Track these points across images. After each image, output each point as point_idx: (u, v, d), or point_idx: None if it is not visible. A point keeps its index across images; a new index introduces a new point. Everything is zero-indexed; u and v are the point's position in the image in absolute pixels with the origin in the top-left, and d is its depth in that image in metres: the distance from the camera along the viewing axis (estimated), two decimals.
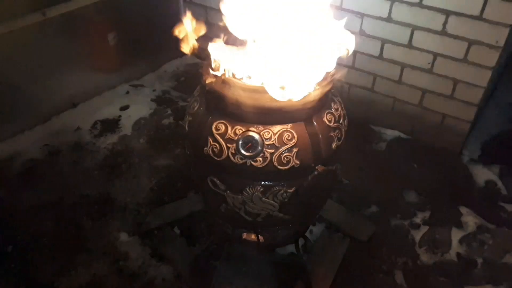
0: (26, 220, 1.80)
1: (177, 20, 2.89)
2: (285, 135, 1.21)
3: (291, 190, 1.28)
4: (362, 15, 2.13)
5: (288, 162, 1.21)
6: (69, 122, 2.35)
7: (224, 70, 1.27)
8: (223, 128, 1.24)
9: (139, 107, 2.50)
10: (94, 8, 2.37)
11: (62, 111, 2.41)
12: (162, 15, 2.80)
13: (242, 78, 1.26)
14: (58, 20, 2.20)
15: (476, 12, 1.83)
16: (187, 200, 1.89)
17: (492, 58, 1.89)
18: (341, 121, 1.35)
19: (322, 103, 1.30)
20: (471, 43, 1.91)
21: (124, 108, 2.49)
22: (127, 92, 2.64)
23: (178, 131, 2.33)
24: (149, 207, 1.88)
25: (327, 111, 1.30)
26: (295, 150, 1.21)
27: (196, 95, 1.41)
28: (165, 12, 2.82)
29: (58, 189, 1.95)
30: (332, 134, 1.29)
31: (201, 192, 1.64)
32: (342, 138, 1.34)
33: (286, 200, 1.29)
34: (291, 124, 1.21)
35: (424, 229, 1.81)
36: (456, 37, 1.93)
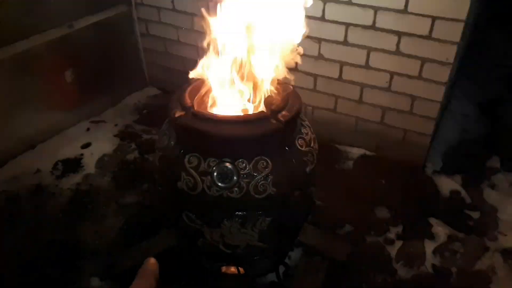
0: None
1: (135, 52, 2.87)
2: (260, 164, 1.20)
3: (269, 218, 1.27)
4: (319, 40, 2.20)
5: (265, 190, 1.20)
6: (28, 165, 2.23)
7: (193, 103, 1.26)
8: (196, 161, 1.22)
9: (102, 144, 2.42)
10: (48, 47, 2.30)
11: (19, 153, 2.29)
12: (119, 48, 2.77)
13: (212, 111, 1.26)
14: (10, 61, 2.12)
15: (425, 32, 1.94)
16: (160, 237, 1.82)
17: (444, 74, 2.00)
18: (312, 145, 1.36)
19: (293, 128, 1.31)
20: (423, 61, 2.01)
21: (85, 146, 2.40)
22: (88, 129, 2.56)
23: (144, 166, 2.27)
24: (120, 248, 1.80)
25: (298, 136, 1.31)
26: (270, 177, 1.20)
27: (165, 129, 1.38)
28: (122, 45, 2.80)
29: (20, 238, 1.83)
30: (305, 159, 1.30)
31: (176, 228, 1.60)
32: (315, 161, 1.36)
33: (265, 228, 1.28)
34: (265, 152, 1.22)
35: (399, 243, 1.84)
36: (409, 56, 2.03)
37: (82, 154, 2.34)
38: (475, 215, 1.98)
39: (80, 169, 2.24)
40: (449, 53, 1.94)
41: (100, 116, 2.70)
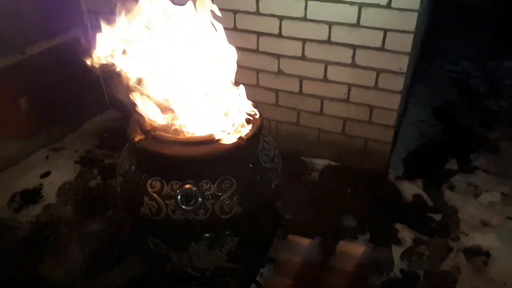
0: None
1: (93, 75, 2.79)
2: (224, 183, 1.20)
3: (237, 238, 1.26)
4: (278, 56, 2.24)
5: (231, 209, 1.20)
6: None
7: (153, 126, 1.25)
8: (158, 185, 1.20)
9: (62, 172, 2.34)
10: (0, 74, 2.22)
11: None
12: (76, 72, 2.70)
13: (173, 132, 1.25)
14: None
15: (378, 44, 2.01)
16: (127, 265, 1.77)
17: (398, 83, 2.07)
18: (275, 160, 1.38)
19: (255, 145, 1.32)
20: (378, 71, 2.08)
21: (45, 175, 2.31)
22: (47, 157, 2.47)
23: (108, 192, 2.21)
24: (86, 279, 1.73)
25: (262, 152, 1.32)
26: (236, 196, 1.20)
27: (125, 154, 1.36)
28: (79, 69, 2.73)
29: None
30: (269, 175, 1.31)
31: (142, 254, 1.56)
32: (279, 176, 1.36)
33: (233, 248, 1.27)
34: (229, 171, 1.21)
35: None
36: (365, 67, 2.09)
37: (41, 184, 2.25)
38: (438, 217, 2.05)
39: (40, 199, 2.15)
40: (402, 63, 2.02)
41: (59, 142, 2.61)
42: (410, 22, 1.92)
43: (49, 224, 2.00)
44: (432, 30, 3.35)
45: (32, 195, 2.16)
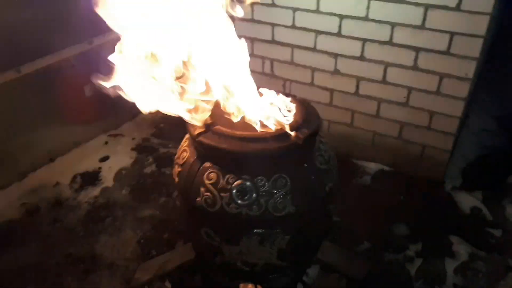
0: (5, 285, 1.69)
1: None
2: (279, 181, 1.20)
3: (288, 237, 1.26)
4: (336, 55, 2.21)
5: (284, 208, 1.20)
6: (47, 177, 2.27)
7: (213, 121, 1.27)
8: (215, 177, 1.23)
9: (120, 157, 2.45)
10: (69, 62, 2.35)
11: (39, 167, 2.33)
12: None
13: (232, 128, 1.27)
14: (33, 76, 2.17)
15: (443, 47, 1.93)
16: (176, 252, 1.83)
17: (463, 89, 1.98)
18: (331, 162, 1.36)
19: (312, 145, 1.31)
20: (442, 76, 1.99)
21: (104, 159, 2.43)
22: (106, 143, 2.59)
23: (161, 179, 2.29)
24: (137, 262, 1.80)
25: (317, 153, 1.31)
26: (289, 195, 1.20)
27: (184, 145, 1.40)
28: None
29: (38, 250, 1.85)
30: (324, 177, 1.30)
31: (194, 243, 1.60)
32: (334, 179, 1.35)
33: (284, 247, 1.27)
34: (284, 170, 1.21)
35: (418, 261, 1.80)
36: (427, 71, 2.01)
37: (100, 168, 2.37)
38: (497, 233, 1.93)
39: (98, 182, 2.26)
40: (469, 69, 1.93)
41: (118, 129, 2.73)
42: (481, 26, 1.82)
43: (106, 206, 2.10)
44: (502, 34, 3.15)
45: (91, 177, 2.29)
